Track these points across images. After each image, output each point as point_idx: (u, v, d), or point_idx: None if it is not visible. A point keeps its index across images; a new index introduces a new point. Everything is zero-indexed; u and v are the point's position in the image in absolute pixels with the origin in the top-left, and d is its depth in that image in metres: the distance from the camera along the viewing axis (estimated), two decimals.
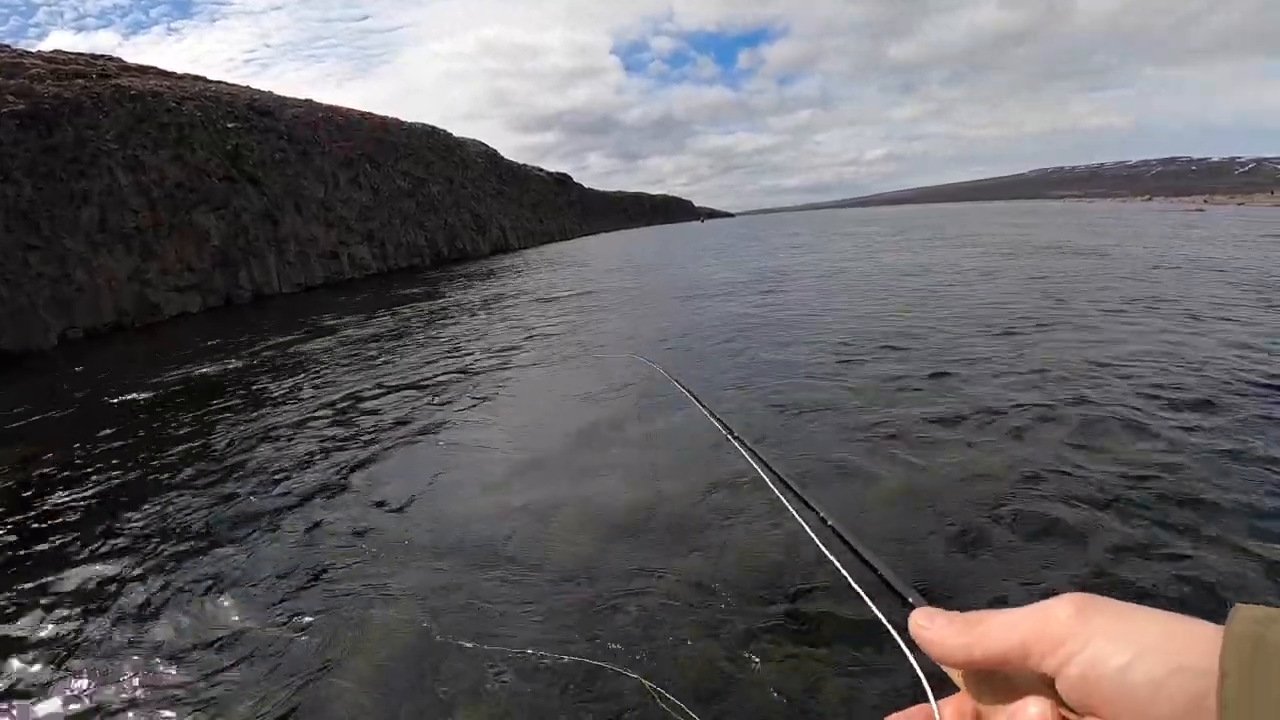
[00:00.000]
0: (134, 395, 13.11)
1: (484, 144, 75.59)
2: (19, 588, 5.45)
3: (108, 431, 10.31)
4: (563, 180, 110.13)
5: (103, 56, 35.40)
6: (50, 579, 5.52)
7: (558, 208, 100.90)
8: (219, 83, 40.34)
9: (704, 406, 1.30)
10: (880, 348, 10.01)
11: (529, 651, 3.81)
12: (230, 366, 15.17)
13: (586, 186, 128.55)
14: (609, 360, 11.43)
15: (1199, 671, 0.33)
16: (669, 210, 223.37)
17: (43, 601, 5.17)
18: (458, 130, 67.34)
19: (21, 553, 6.18)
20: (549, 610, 4.20)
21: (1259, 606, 0.34)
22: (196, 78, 39.17)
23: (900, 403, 7.39)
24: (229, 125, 36.06)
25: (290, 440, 8.73)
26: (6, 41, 34.69)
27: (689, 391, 1.61)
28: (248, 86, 41.76)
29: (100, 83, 30.76)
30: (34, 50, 32.95)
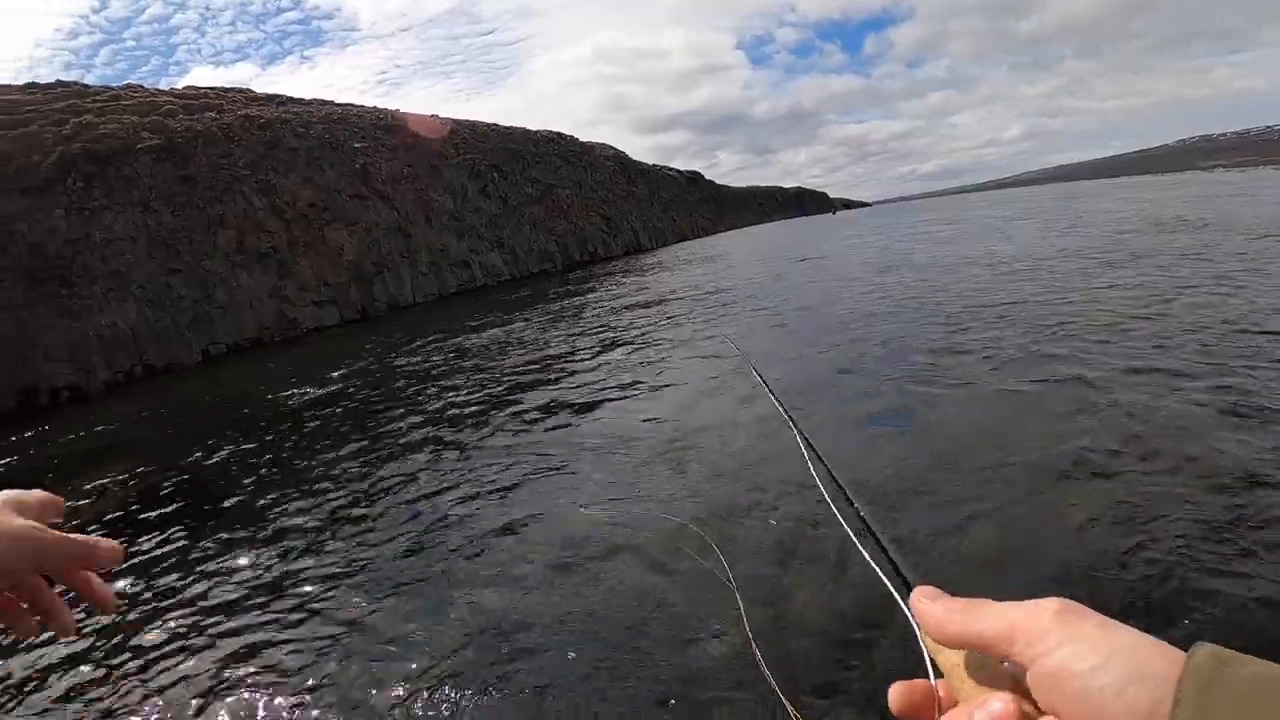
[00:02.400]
0: (283, 399, 13.23)
1: (612, 147, 74.54)
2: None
3: (261, 432, 10.63)
4: (693, 178, 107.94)
5: (232, 89, 36.36)
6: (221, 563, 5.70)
7: (690, 206, 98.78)
8: (346, 105, 40.83)
9: (772, 394, 1.25)
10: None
11: None
12: (371, 371, 15.17)
13: (719, 183, 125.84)
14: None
15: (1159, 680, 0.36)
16: (803, 203, 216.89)
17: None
18: (584, 136, 66.43)
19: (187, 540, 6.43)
20: None
21: (1220, 648, 0.36)
22: (323, 102, 39.76)
23: None
24: (356, 145, 36.10)
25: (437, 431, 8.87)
26: (147, 81, 36.11)
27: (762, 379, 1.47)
28: (374, 107, 42.14)
29: (230, 113, 31.21)
30: (168, 88, 34.07)
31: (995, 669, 0.45)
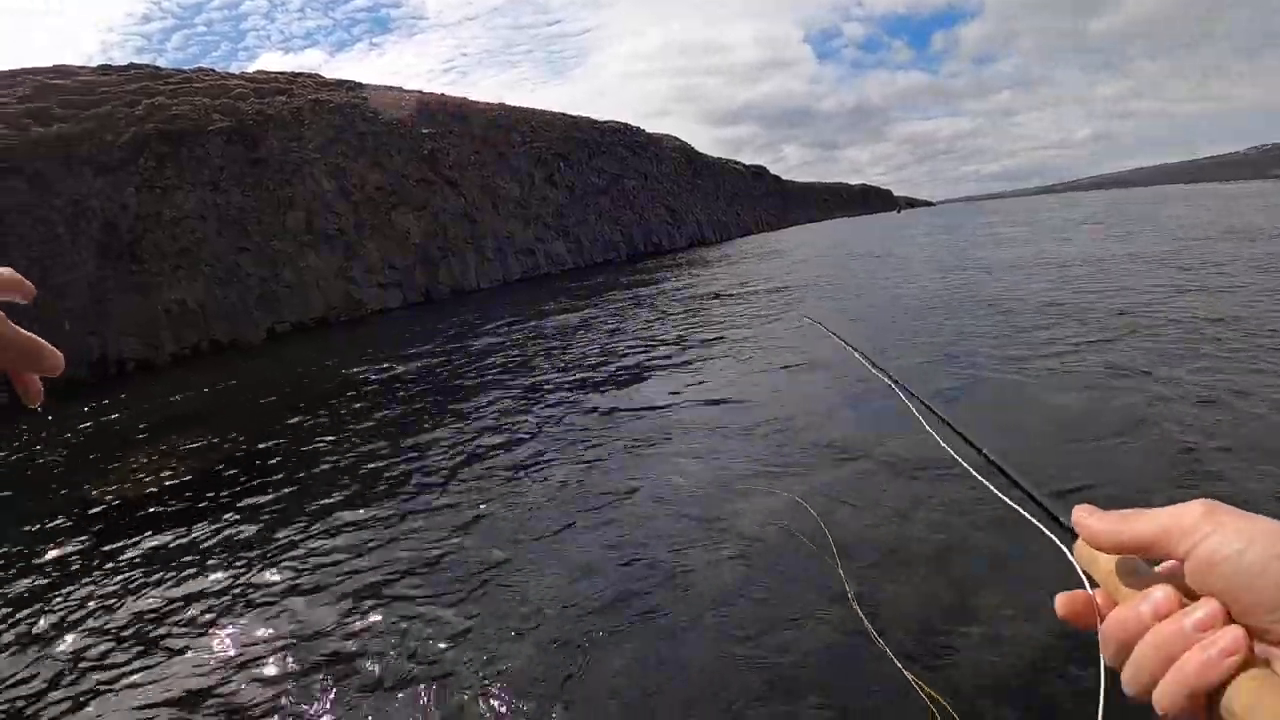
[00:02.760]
0: (354, 375, 13.21)
1: (678, 139, 73.37)
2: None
3: (333, 407, 10.64)
4: (759, 172, 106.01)
5: (302, 74, 36.33)
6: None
7: (754, 200, 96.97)
8: (414, 91, 40.54)
9: (864, 357, 1.31)
10: None
11: None
12: (443, 350, 15.06)
13: (784, 178, 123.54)
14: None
15: None
16: (868, 200, 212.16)
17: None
18: (650, 127, 65.39)
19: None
20: None
21: None
22: (391, 88, 39.51)
23: None
24: (424, 130, 35.74)
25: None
26: (218, 66, 36.38)
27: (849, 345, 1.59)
28: (442, 94, 41.74)
29: (300, 97, 31.09)
30: (239, 72, 34.20)
31: (1147, 571, 0.49)
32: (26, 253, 19.64)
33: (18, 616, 4.96)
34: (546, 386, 9.88)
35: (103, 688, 3.93)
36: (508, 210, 38.58)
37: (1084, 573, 0.53)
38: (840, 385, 7.73)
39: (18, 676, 4.14)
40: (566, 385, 9.99)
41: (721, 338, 11.97)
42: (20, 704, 3.86)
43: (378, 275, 28.67)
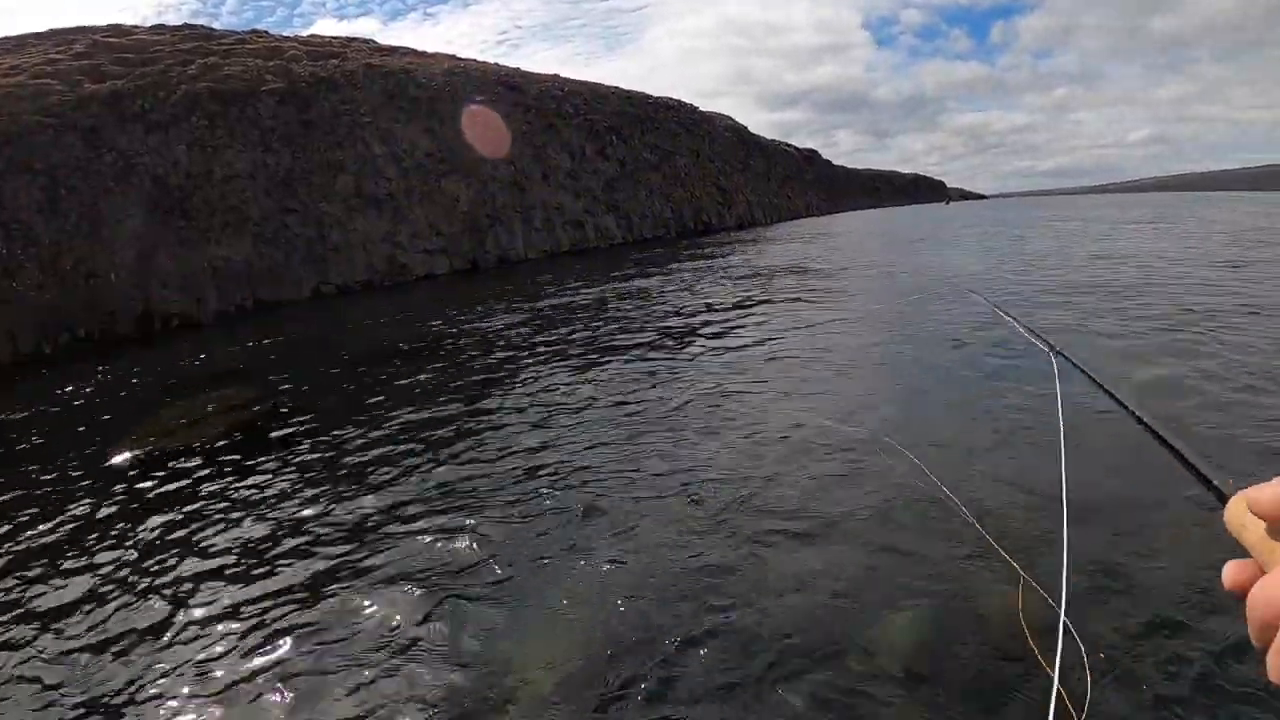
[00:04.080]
0: (404, 338, 12.97)
1: (730, 118, 71.66)
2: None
3: (378, 369, 10.40)
4: (810, 157, 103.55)
5: (356, 39, 35.84)
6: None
7: (805, 184, 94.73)
8: (468, 60, 39.86)
9: (1019, 323, 1.49)
10: None
11: None
12: (500, 315, 14.80)
13: (835, 163, 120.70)
14: None
15: None
16: (919, 190, 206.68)
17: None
18: (704, 107, 63.91)
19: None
20: None
21: None
22: (446, 56, 38.87)
23: None
24: (477, 99, 34.99)
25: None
26: (272, 29, 36.14)
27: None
28: (496, 63, 41.01)
29: (353, 61, 30.56)
30: (293, 35, 33.81)
31: None
32: (78, 206, 19.39)
33: (45, 565, 4.90)
34: (606, 352, 9.86)
35: (136, 640, 3.80)
36: (557, 181, 37.76)
37: (1239, 542, 0.49)
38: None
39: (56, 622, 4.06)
40: (629, 348, 9.97)
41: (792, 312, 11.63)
42: (64, 655, 3.74)
43: (425, 241, 28.09)
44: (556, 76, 44.08)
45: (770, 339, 9.65)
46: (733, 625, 3.27)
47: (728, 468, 5.16)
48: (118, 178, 20.53)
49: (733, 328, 10.82)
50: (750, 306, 12.78)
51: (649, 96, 53.86)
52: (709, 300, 13.97)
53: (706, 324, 11.40)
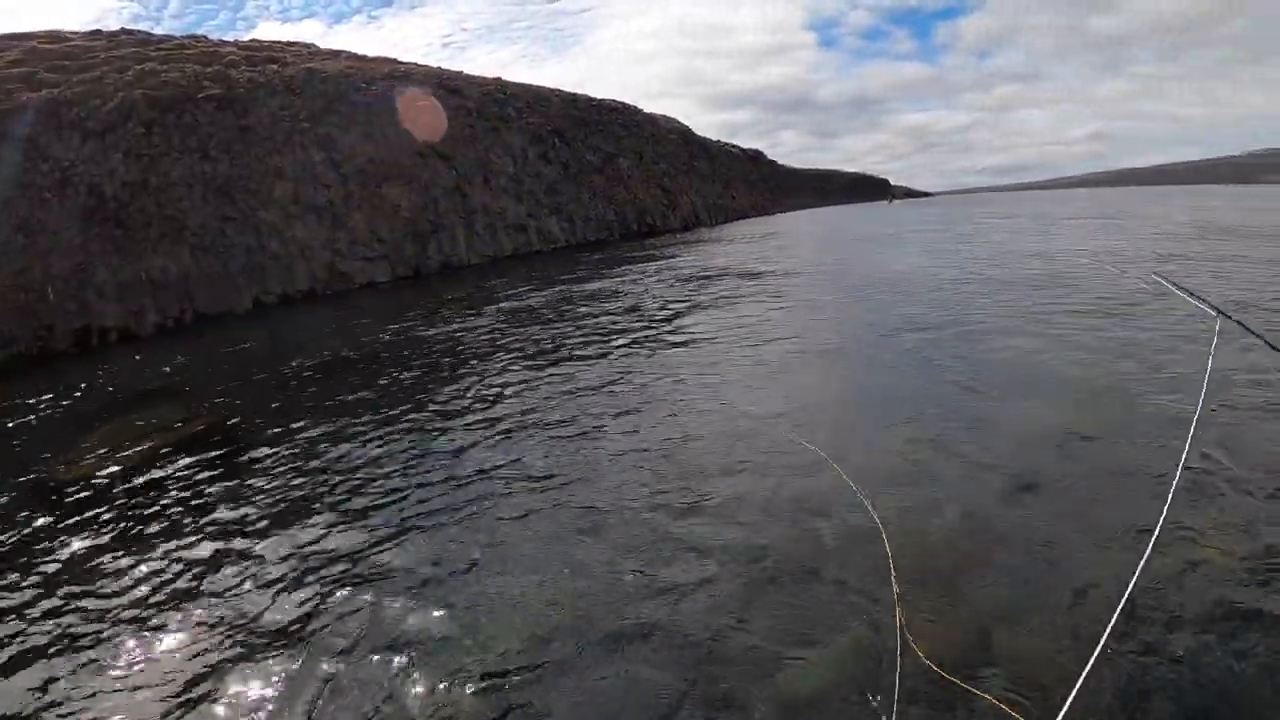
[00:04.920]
0: (337, 352, 13.18)
1: (675, 120, 72.59)
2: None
3: (308, 383, 10.76)
4: (755, 157, 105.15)
5: (297, 43, 35.82)
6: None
7: (750, 184, 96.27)
8: (410, 63, 40.01)
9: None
10: None
11: None
12: (437, 325, 15.05)
13: (779, 163, 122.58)
14: None
15: None
16: (862, 189, 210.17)
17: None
18: (650, 108, 64.63)
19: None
20: None
21: None
22: (388, 60, 38.99)
23: None
24: (418, 104, 35.25)
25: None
26: (214, 33, 35.89)
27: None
28: (439, 67, 41.29)
29: (293, 66, 30.63)
30: (233, 40, 33.68)
31: None
32: (13, 219, 19.37)
33: None
34: (516, 375, 10.08)
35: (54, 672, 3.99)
36: (500, 185, 38.20)
37: None
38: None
39: None
40: (540, 362, 10.35)
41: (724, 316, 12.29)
42: None
43: (365, 248, 28.38)
44: (499, 79, 44.42)
45: (697, 341, 10.63)
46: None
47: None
48: (54, 188, 20.53)
49: (666, 330, 11.70)
50: (686, 311, 13.57)
51: (592, 99, 54.49)
52: (650, 303, 14.75)
53: (646, 327, 12.17)
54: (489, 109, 40.61)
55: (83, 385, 12.95)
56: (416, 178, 32.52)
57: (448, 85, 38.98)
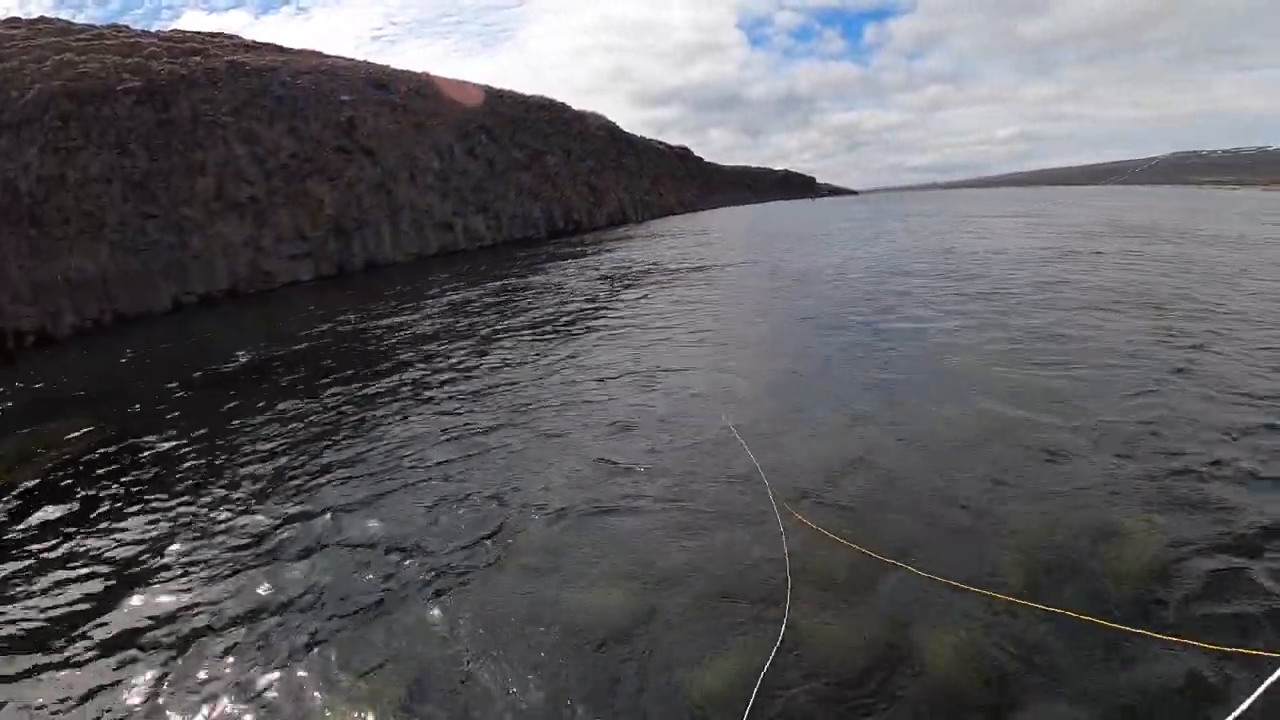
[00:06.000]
0: (248, 355, 13.26)
1: (604, 117, 73.22)
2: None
3: (226, 388, 10.84)
4: (683, 154, 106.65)
5: (220, 34, 35.32)
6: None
7: (677, 181, 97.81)
8: (335, 57, 39.81)
9: None
10: None
11: None
12: (346, 328, 15.22)
13: (708, 161, 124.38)
14: None
15: None
16: (789, 186, 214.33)
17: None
18: (581, 104, 65.12)
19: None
20: None
21: None
22: (313, 53, 38.73)
23: None
24: (343, 99, 35.24)
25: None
26: (140, 24, 35.00)
27: None
28: (365, 61, 41.12)
29: (216, 59, 30.32)
30: (154, 30, 33.07)
31: None
32: None
33: None
34: (453, 359, 10.76)
35: None
36: (426, 182, 38.44)
37: None
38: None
39: None
40: (485, 352, 11.05)
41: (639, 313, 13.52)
42: None
43: (289, 245, 28.49)
44: (426, 74, 44.45)
45: (621, 329, 11.76)
46: None
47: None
48: None
49: (592, 320, 12.71)
50: (611, 305, 14.47)
51: (521, 95, 54.81)
52: (578, 298, 15.56)
53: (572, 319, 12.99)
54: (415, 104, 40.65)
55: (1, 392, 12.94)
56: (341, 173, 32.61)
57: (374, 80, 38.93)
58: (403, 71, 42.87)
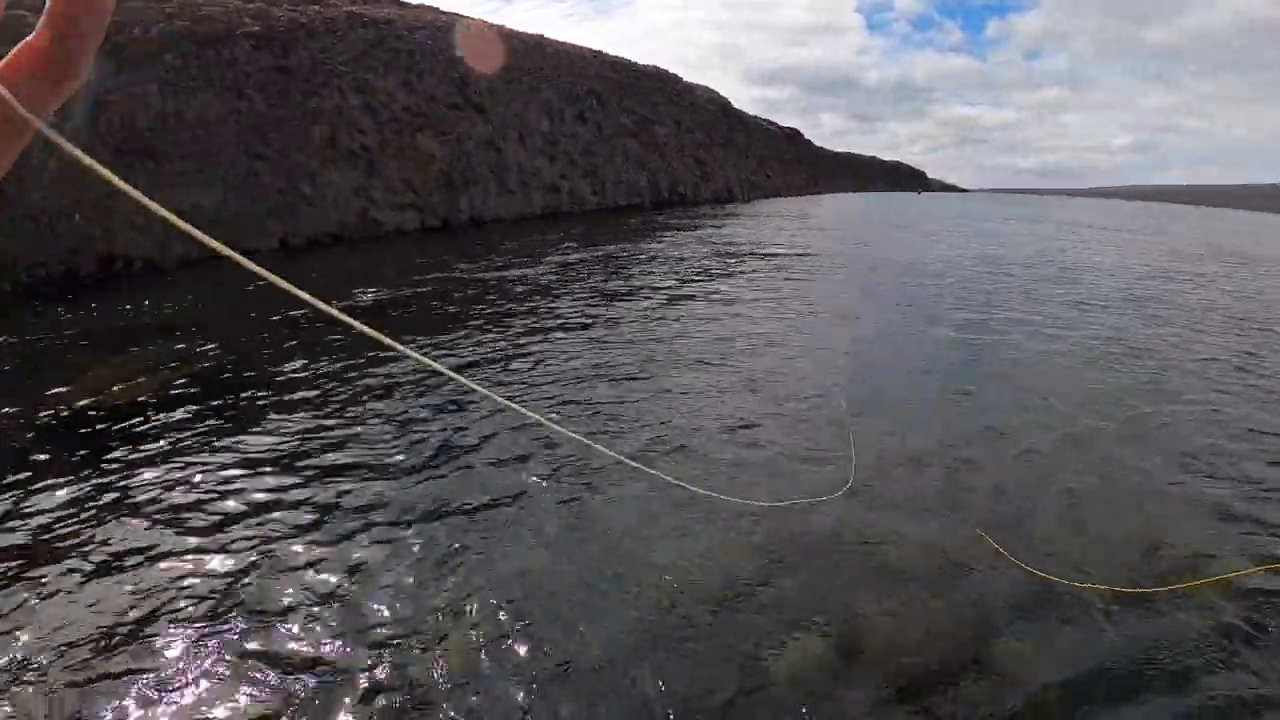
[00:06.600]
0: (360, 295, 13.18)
1: (715, 91, 71.05)
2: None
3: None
4: (793, 136, 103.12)
5: None
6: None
7: (785, 163, 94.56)
8: (453, 14, 39.11)
9: None
10: None
11: None
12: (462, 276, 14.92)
13: (817, 145, 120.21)
14: None
15: None
16: (898, 177, 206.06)
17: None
18: (689, 79, 63.27)
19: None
20: None
21: None
22: (430, 8, 38.13)
23: None
24: (458, 54, 34.49)
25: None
26: None
27: None
28: (481, 19, 40.34)
29: (334, 9, 29.92)
30: None
31: None
32: (42, 143, 18.98)
33: None
34: (563, 317, 10.17)
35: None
36: (534, 144, 37.49)
37: None
38: None
39: None
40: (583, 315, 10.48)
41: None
42: None
43: (397, 196, 27.92)
44: (540, 36, 43.46)
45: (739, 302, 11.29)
46: None
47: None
48: (86, 114, 20.12)
49: (709, 292, 12.18)
50: (730, 277, 13.85)
51: (633, 63, 53.31)
52: (686, 269, 14.82)
53: (689, 287, 12.42)
54: (529, 65, 39.72)
55: (103, 313, 12.77)
56: (452, 129, 31.92)
57: (490, 38, 38.12)
58: (517, 32, 41.99)
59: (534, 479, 4.96)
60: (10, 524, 4.81)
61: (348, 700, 3.08)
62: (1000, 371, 8.07)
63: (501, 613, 3.55)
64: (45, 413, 6.99)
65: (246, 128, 23.96)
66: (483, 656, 3.25)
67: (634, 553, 4.04)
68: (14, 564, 4.33)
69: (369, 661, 3.32)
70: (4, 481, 5.37)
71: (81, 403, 7.17)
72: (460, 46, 32.10)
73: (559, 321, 10.06)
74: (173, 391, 7.54)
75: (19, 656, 3.49)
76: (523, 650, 3.31)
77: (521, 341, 8.97)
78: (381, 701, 3.11)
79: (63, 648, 3.54)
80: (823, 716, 2.88)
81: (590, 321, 10.07)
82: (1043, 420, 6.35)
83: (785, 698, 3.00)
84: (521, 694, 2.96)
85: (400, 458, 5.52)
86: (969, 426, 6.24)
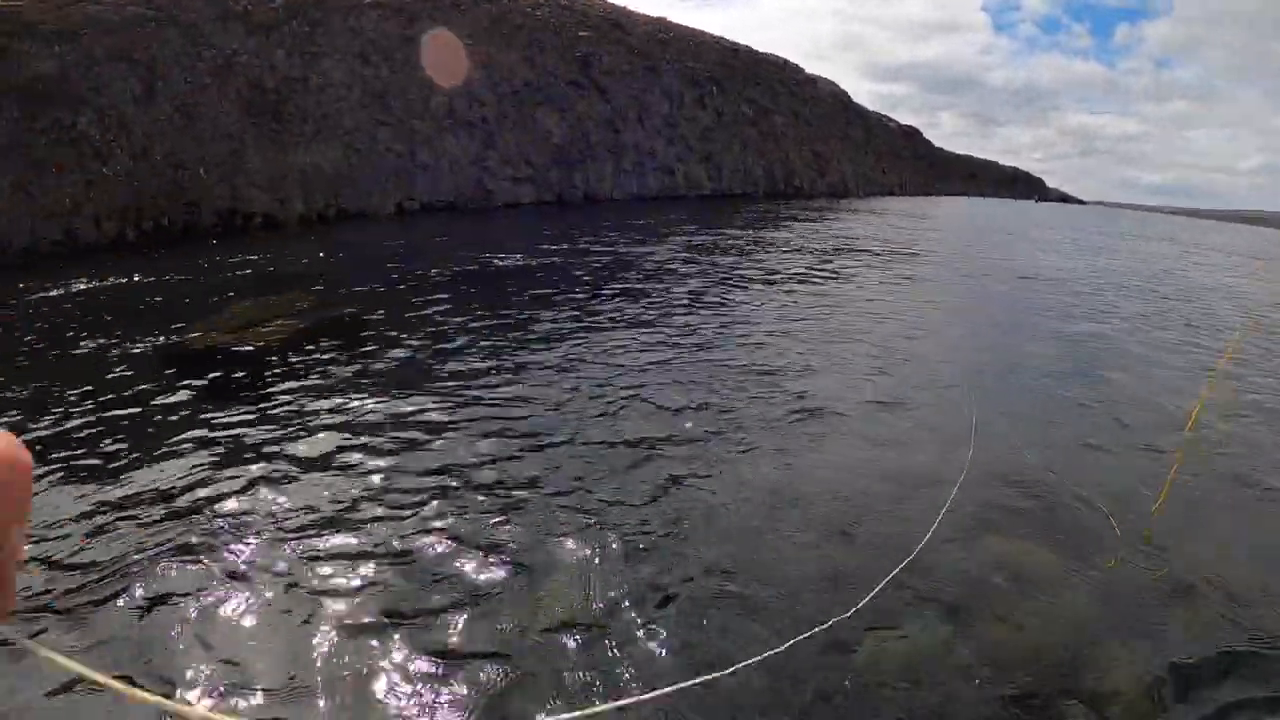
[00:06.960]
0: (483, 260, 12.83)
1: (834, 84, 68.17)
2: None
3: (446, 288, 10.14)
4: (911, 134, 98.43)
5: None
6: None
7: (902, 161, 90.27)
8: None
9: None
10: None
11: None
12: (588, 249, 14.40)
13: (935, 145, 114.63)
14: None
15: None
16: (1016, 185, 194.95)
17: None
18: (806, 69, 60.92)
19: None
20: None
21: None
22: None
23: None
24: (581, 34, 33.57)
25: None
26: None
27: None
28: (604, 0, 39.40)
29: None
30: None
31: None
32: (174, 100, 18.88)
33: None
34: (669, 304, 9.47)
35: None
36: (653, 125, 36.19)
37: None
38: None
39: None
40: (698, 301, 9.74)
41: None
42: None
43: (513, 169, 27.10)
44: (663, 20, 42.17)
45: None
46: None
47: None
48: (215, 74, 19.96)
49: (832, 280, 11.37)
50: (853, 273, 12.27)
51: (754, 50, 51.37)
52: (809, 259, 13.65)
53: (812, 280, 11.30)
54: (649, 48, 38.50)
55: (233, 263, 12.39)
56: (572, 106, 30.97)
57: (611, 19, 37.10)
58: (638, 14, 40.86)
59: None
60: (202, 432, 4.97)
61: None
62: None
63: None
64: (202, 343, 6.99)
65: (370, 94, 23.56)
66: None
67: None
68: (210, 461, 4.52)
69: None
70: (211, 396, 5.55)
71: (237, 335, 7.11)
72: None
73: (686, 297, 9.54)
74: (321, 332, 7.45)
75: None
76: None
77: (668, 310, 8.62)
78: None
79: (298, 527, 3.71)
80: None
81: (727, 301, 9.65)
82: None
83: None
84: None
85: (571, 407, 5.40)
86: None
